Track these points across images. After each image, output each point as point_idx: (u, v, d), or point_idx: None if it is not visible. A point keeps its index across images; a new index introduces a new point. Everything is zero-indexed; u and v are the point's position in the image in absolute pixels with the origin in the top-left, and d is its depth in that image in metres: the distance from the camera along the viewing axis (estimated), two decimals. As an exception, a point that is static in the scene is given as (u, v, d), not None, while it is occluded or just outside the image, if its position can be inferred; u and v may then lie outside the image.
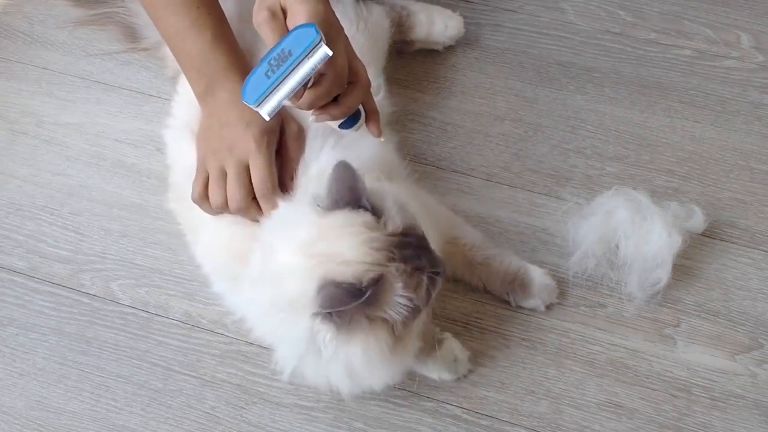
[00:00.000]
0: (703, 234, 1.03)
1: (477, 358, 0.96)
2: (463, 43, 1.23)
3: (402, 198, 0.79)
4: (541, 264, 1.01)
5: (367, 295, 0.69)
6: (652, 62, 1.21)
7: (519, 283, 0.97)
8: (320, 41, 0.70)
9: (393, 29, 1.14)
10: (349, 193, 0.74)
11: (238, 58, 0.89)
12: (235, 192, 0.85)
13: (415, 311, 0.73)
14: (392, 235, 0.73)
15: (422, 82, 1.19)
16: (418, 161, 1.10)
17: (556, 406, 0.93)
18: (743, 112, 1.16)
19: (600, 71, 1.20)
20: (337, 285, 0.70)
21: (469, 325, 0.98)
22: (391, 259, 0.72)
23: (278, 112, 0.72)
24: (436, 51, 1.21)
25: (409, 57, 1.20)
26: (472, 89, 1.19)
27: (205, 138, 0.89)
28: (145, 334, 1.00)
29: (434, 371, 0.93)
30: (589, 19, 1.26)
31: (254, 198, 0.85)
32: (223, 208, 0.86)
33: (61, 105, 1.20)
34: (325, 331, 0.72)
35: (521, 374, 0.95)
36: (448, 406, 0.94)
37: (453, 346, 0.94)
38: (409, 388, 0.95)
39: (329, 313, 0.70)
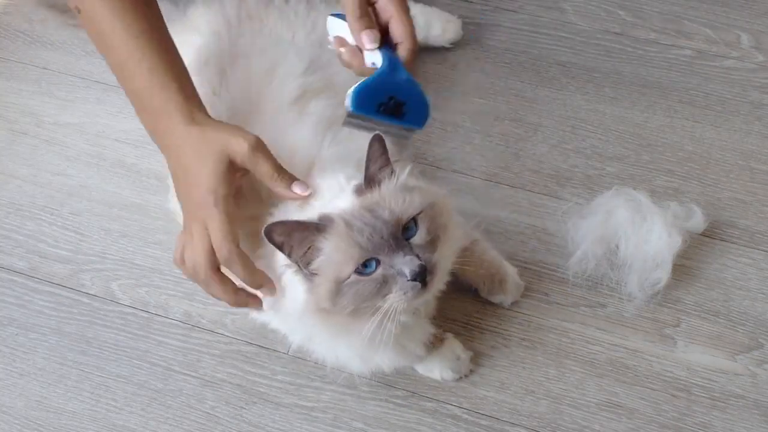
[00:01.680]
0: (703, 234, 1.03)
1: (477, 358, 0.96)
2: (463, 43, 1.23)
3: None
4: (541, 264, 1.02)
5: (300, 222, 0.72)
6: (652, 62, 1.21)
7: (498, 279, 0.97)
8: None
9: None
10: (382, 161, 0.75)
11: (176, 90, 0.80)
12: (196, 260, 0.78)
13: (346, 283, 0.73)
14: (362, 204, 0.74)
15: (422, 82, 1.18)
16: (418, 161, 1.10)
17: (556, 406, 0.93)
18: (743, 112, 1.16)
19: (600, 71, 1.20)
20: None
21: (469, 325, 0.98)
22: (339, 217, 0.73)
23: (219, 133, 0.77)
24: (437, 50, 1.21)
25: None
26: (472, 89, 1.19)
27: (176, 187, 0.83)
28: (145, 334, 1.00)
29: (436, 370, 0.93)
30: (589, 19, 1.26)
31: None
32: (193, 276, 0.80)
33: (61, 105, 1.20)
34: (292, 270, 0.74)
35: (521, 374, 0.95)
36: (448, 406, 0.94)
37: (455, 345, 0.94)
38: (409, 388, 0.95)
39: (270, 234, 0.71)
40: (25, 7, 1.31)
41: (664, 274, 0.97)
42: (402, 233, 0.71)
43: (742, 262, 1.03)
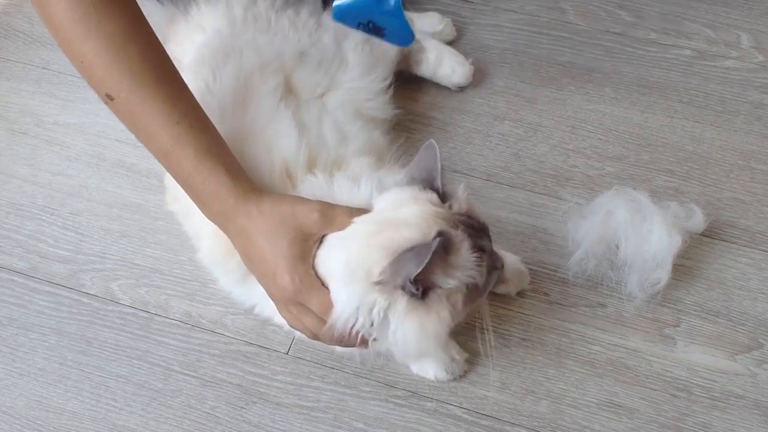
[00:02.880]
0: (703, 234, 1.03)
1: (477, 358, 0.96)
2: (464, 42, 1.23)
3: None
4: (541, 264, 1.01)
5: (438, 242, 0.69)
6: (652, 62, 1.21)
7: None
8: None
9: (399, 59, 1.12)
10: (426, 174, 0.77)
11: (224, 172, 0.78)
12: (312, 334, 0.79)
13: (474, 290, 0.75)
14: (457, 214, 0.76)
15: (422, 83, 1.19)
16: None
17: (556, 406, 0.93)
18: (743, 112, 1.16)
19: (600, 71, 1.20)
20: (408, 250, 0.71)
21: (468, 325, 0.98)
22: (455, 228, 0.74)
23: (282, 207, 0.77)
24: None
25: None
26: (472, 89, 1.19)
27: (250, 267, 0.80)
28: (145, 334, 1.00)
29: (431, 370, 0.93)
30: (589, 19, 1.26)
31: None
32: (320, 340, 0.80)
33: (61, 105, 1.20)
34: (389, 302, 0.72)
35: (521, 374, 0.95)
36: (448, 406, 0.94)
37: (450, 346, 0.94)
38: (409, 388, 0.95)
39: (407, 281, 0.70)
40: (25, 7, 1.31)
41: (664, 274, 0.97)
42: None
43: (742, 262, 1.03)
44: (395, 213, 0.75)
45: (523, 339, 0.98)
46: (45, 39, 1.27)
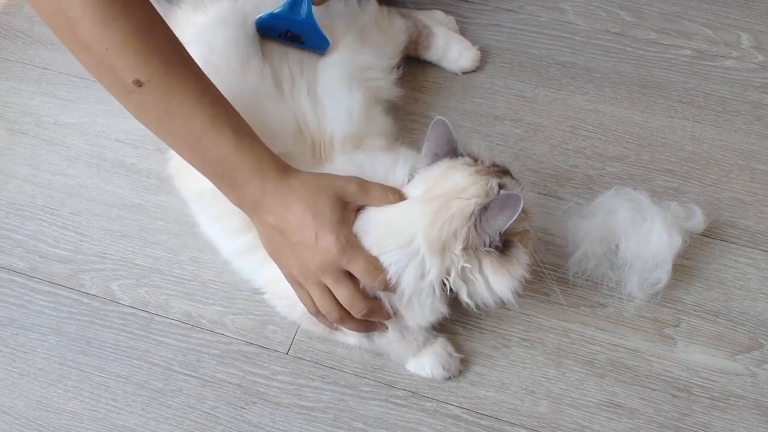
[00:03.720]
0: (703, 234, 1.03)
1: (477, 358, 0.96)
2: (463, 43, 1.23)
3: None
4: (541, 264, 1.01)
5: (519, 193, 0.76)
6: (652, 62, 1.21)
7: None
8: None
9: (409, 44, 1.17)
10: (446, 146, 0.83)
11: (263, 149, 0.80)
12: (332, 311, 0.82)
13: (528, 228, 0.81)
14: (489, 166, 0.82)
15: (422, 82, 1.19)
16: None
17: (556, 406, 0.93)
18: (743, 112, 1.16)
19: (600, 71, 1.20)
20: (485, 208, 0.77)
21: (469, 325, 0.98)
22: (499, 177, 0.80)
23: (323, 180, 0.81)
24: (436, 51, 1.22)
25: (410, 57, 1.20)
26: (472, 89, 1.19)
27: (276, 253, 0.82)
28: (145, 334, 1.00)
29: (428, 366, 0.93)
30: (589, 19, 1.26)
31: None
32: (344, 320, 0.84)
33: (61, 105, 1.20)
34: (482, 261, 0.79)
35: (521, 374, 0.95)
36: (448, 406, 0.94)
37: (446, 343, 0.94)
38: (409, 388, 0.95)
39: (496, 237, 0.77)
40: (25, 7, 1.31)
41: (664, 274, 0.97)
42: None
43: (742, 262, 1.03)
44: (445, 185, 0.79)
45: (523, 339, 0.98)
46: (45, 39, 1.27)
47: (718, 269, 1.02)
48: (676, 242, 0.97)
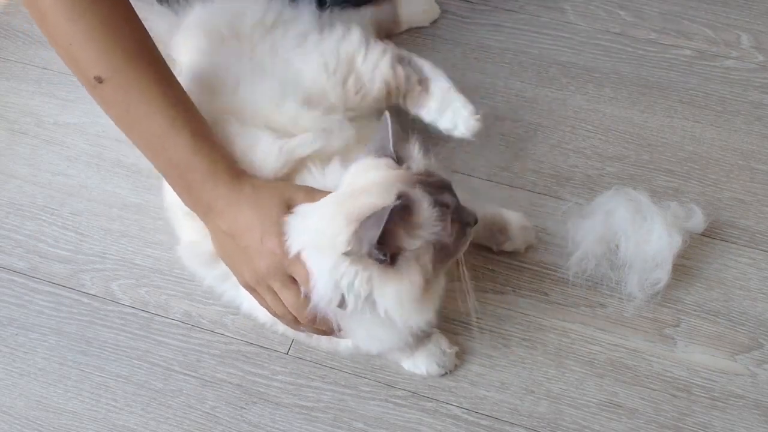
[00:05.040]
0: (703, 234, 1.03)
1: (477, 358, 0.96)
2: (463, 42, 1.23)
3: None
4: (541, 264, 1.01)
5: (396, 204, 0.68)
6: (652, 62, 1.21)
7: (498, 228, 0.99)
8: None
9: (390, 97, 0.99)
10: (379, 144, 0.78)
11: (219, 154, 0.79)
12: (284, 310, 0.79)
13: (444, 248, 0.73)
14: (415, 174, 0.75)
15: (422, 82, 1.19)
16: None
17: (556, 406, 0.93)
18: (743, 112, 1.16)
19: (600, 71, 1.20)
20: (369, 216, 0.69)
21: (469, 325, 0.98)
22: (414, 188, 0.73)
23: (273, 185, 0.79)
24: (437, 52, 1.21)
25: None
26: (472, 89, 1.19)
27: (229, 258, 0.81)
28: (145, 334, 1.00)
29: (422, 365, 0.93)
30: (589, 19, 1.26)
31: None
32: (297, 325, 0.81)
33: (61, 105, 1.20)
34: (363, 272, 0.71)
35: (521, 374, 0.95)
36: (448, 406, 0.94)
37: (441, 340, 0.94)
38: (409, 388, 0.95)
39: (372, 247, 0.68)
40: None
41: (664, 274, 0.97)
42: None
43: (742, 262, 1.03)
44: (355, 183, 0.76)
45: (523, 339, 0.98)
46: (45, 39, 1.27)
47: (718, 269, 1.02)
48: (676, 242, 0.97)
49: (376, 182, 0.74)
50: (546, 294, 1.00)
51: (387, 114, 0.77)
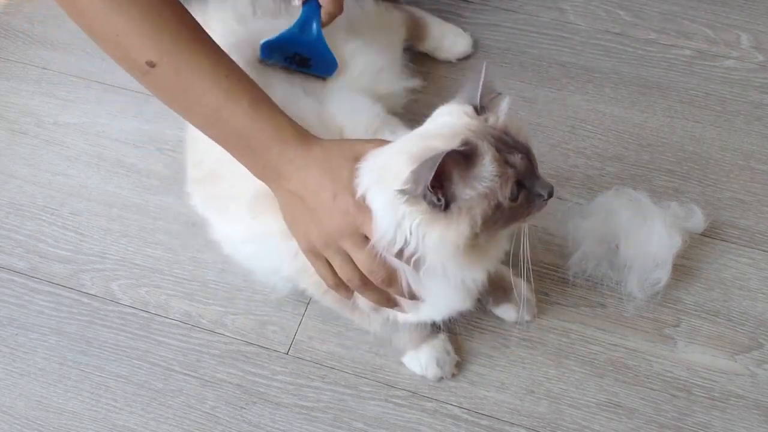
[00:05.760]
0: (703, 234, 1.03)
1: (477, 358, 0.96)
2: (463, 43, 1.23)
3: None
4: (541, 264, 1.01)
5: (453, 149, 0.67)
6: (652, 62, 1.21)
7: (503, 288, 0.96)
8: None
9: (407, 36, 1.17)
10: (468, 91, 0.76)
11: (282, 117, 0.79)
12: (353, 278, 0.79)
13: (499, 208, 0.71)
14: (491, 127, 0.73)
15: (422, 82, 1.19)
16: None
17: (556, 406, 0.93)
18: (743, 112, 1.16)
19: (600, 71, 1.20)
20: (428, 158, 0.68)
21: (469, 326, 0.98)
22: (482, 140, 0.71)
23: (341, 144, 0.80)
24: (436, 51, 1.22)
25: (409, 58, 1.20)
26: (472, 89, 1.19)
27: (296, 222, 0.80)
28: (145, 334, 1.00)
29: (423, 360, 0.93)
30: (589, 19, 1.26)
31: None
32: (364, 288, 0.80)
33: (61, 105, 1.20)
34: (418, 214, 0.70)
35: (521, 374, 0.95)
36: (448, 406, 0.94)
37: (447, 342, 0.94)
38: (409, 388, 0.95)
39: (426, 189, 0.68)
40: (25, 7, 1.31)
41: (664, 274, 0.97)
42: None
43: (742, 262, 1.03)
44: (430, 126, 0.76)
45: (523, 339, 0.98)
46: (45, 39, 1.27)
47: (718, 269, 1.02)
48: (676, 242, 0.97)
49: (448, 127, 0.73)
50: (546, 294, 1.00)
51: (485, 63, 0.75)
